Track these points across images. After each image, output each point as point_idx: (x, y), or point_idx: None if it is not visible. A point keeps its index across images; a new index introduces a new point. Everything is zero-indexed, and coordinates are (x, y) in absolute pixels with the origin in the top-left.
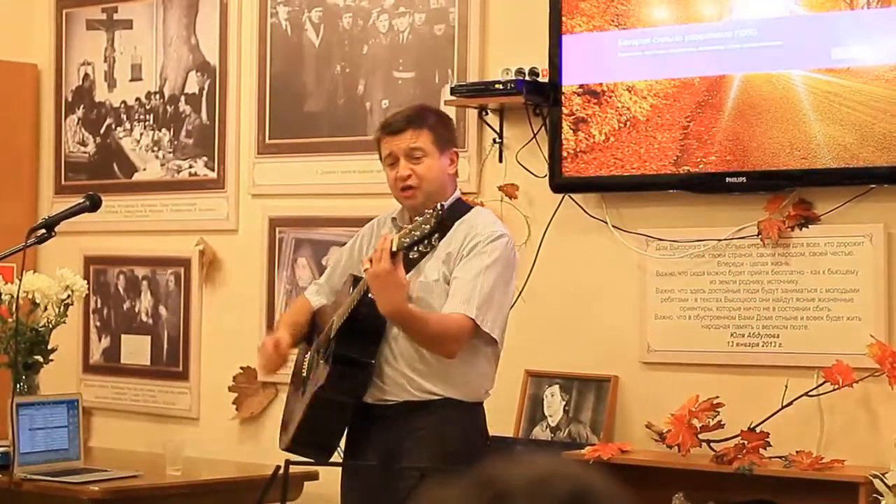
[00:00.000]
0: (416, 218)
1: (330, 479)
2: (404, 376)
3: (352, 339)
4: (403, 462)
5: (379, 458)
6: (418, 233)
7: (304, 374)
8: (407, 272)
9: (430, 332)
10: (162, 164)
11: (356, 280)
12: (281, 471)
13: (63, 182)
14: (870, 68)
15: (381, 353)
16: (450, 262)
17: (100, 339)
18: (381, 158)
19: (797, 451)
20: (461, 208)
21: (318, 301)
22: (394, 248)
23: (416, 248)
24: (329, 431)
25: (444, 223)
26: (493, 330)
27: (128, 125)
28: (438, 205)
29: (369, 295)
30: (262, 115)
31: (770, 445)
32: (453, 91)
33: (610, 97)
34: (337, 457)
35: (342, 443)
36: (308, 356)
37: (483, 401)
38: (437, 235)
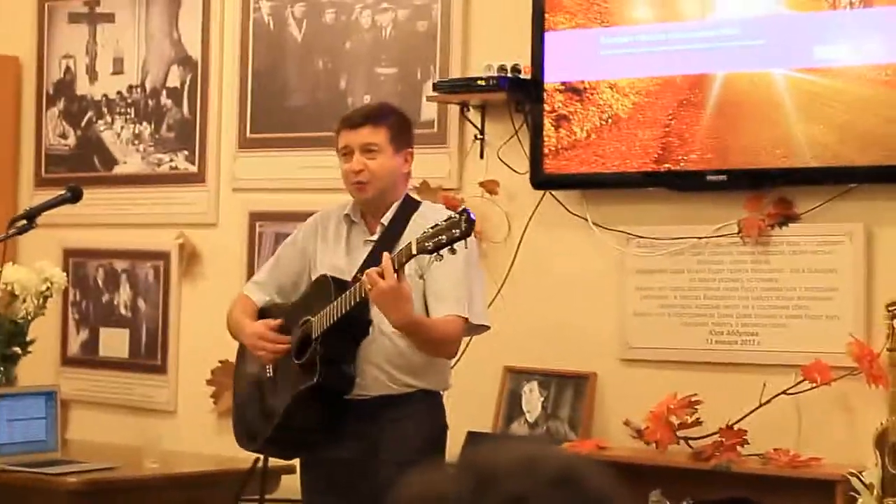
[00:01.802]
0: (440, 222)
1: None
2: (384, 372)
3: (340, 340)
4: (384, 453)
5: (357, 451)
6: (445, 237)
7: (270, 374)
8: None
9: (436, 337)
10: (143, 158)
11: (337, 282)
12: (260, 463)
13: (43, 175)
14: (851, 68)
15: (360, 351)
16: (418, 258)
17: (78, 332)
18: (336, 150)
19: (775, 449)
20: (411, 204)
21: (261, 299)
22: (414, 252)
23: (440, 253)
24: (309, 430)
25: (473, 228)
26: (484, 320)
27: (109, 118)
28: (464, 209)
29: (362, 297)
30: (243, 110)
31: (748, 443)
32: (435, 87)
33: (592, 94)
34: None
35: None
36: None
37: (445, 390)
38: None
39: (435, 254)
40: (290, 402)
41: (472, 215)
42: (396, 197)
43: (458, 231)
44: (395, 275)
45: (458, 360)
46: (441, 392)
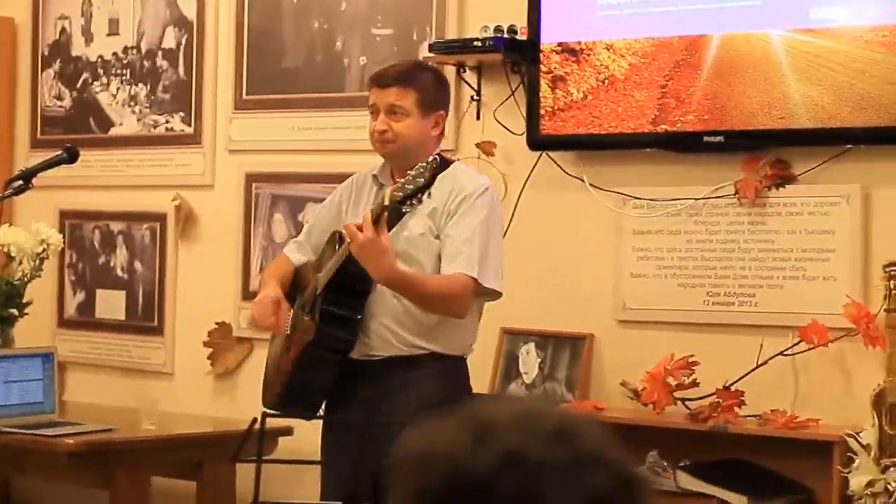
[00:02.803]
0: (409, 172)
1: (305, 434)
2: (390, 331)
3: (339, 295)
4: (389, 417)
5: (364, 412)
6: (412, 186)
7: (289, 332)
8: (392, 227)
9: (430, 294)
10: (138, 119)
11: (341, 237)
12: (257, 424)
13: (39, 136)
14: (848, 28)
15: (368, 309)
16: (435, 216)
17: (74, 294)
18: (368, 105)
19: (772, 410)
20: (441, 164)
21: (298, 259)
22: (386, 202)
23: (410, 202)
24: (315, 388)
25: (436, 176)
26: (496, 284)
27: (104, 80)
28: (432, 157)
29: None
30: (239, 71)
31: (745, 404)
32: (431, 48)
33: (588, 55)
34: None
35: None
36: (291, 314)
37: (467, 355)
38: (429, 190)
39: (405, 205)
40: (294, 360)
41: (437, 163)
42: (423, 158)
43: (421, 180)
44: (374, 228)
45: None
46: (459, 355)
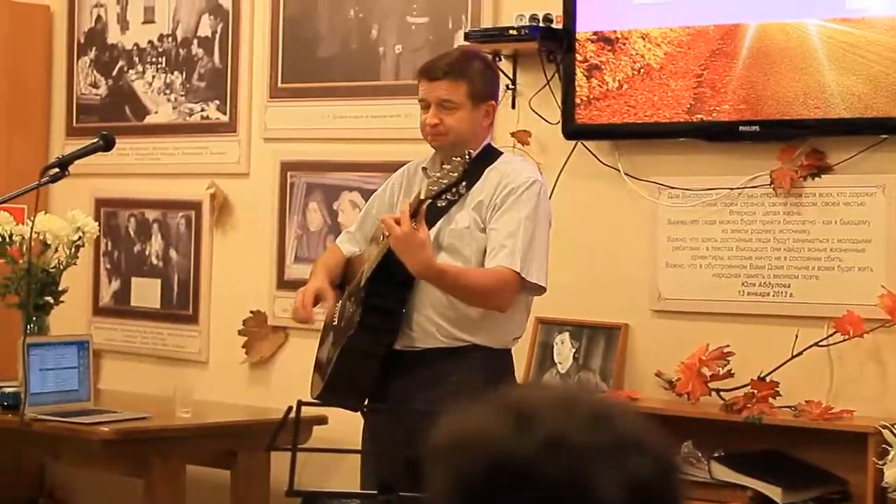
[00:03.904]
0: (444, 166)
1: (340, 423)
2: (433, 323)
3: (382, 286)
4: (430, 405)
5: (405, 402)
6: (446, 181)
7: (336, 322)
8: (436, 221)
9: (470, 286)
10: (174, 108)
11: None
12: (293, 413)
13: (74, 124)
14: (885, 18)
15: (411, 301)
16: (481, 209)
17: (110, 282)
18: (418, 98)
19: (806, 401)
20: (491, 154)
21: (350, 250)
22: (422, 197)
23: (443, 197)
24: (360, 379)
25: (469, 171)
26: (540, 279)
27: (140, 68)
28: (466, 153)
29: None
30: (274, 59)
31: (779, 395)
32: (467, 36)
33: (624, 44)
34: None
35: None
36: (339, 304)
37: (511, 347)
38: (464, 184)
39: (440, 199)
40: (339, 351)
41: (468, 157)
42: (475, 147)
43: (455, 174)
44: (412, 221)
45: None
46: (502, 348)
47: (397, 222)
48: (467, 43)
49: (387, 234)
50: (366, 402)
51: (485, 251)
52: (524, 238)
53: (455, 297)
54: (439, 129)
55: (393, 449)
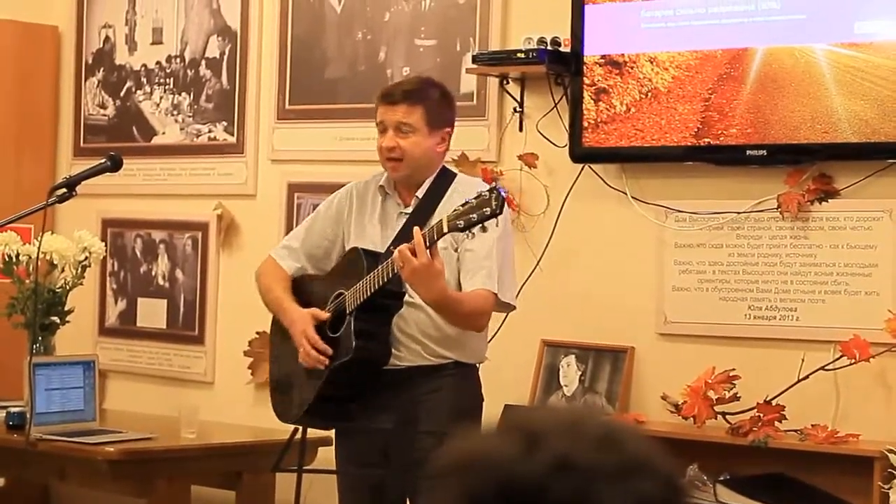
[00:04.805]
0: (470, 199)
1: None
2: (418, 342)
3: (373, 313)
4: (420, 423)
5: (392, 421)
6: (476, 216)
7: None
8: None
9: (466, 311)
10: (181, 128)
11: (369, 255)
12: (298, 434)
13: (82, 144)
14: (892, 43)
15: (395, 323)
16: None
17: (116, 302)
18: (375, 122)
19: (812, 425)
20: (447, 177)
21: (291, 266)
22: (445, 230)
23: (471, 231)
24: (346, 401)
25: (503, 206)
26: (512, 298)
27: (148, 88)
28: (494, 186)
29: (395, 273)
30: (282, 81)
31: (785, 418)
32: (475, 59)
33: (632, 68)
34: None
35: None
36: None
37: (481, 363)
38: (496, 220)
39: (467, 231)
40: (326, 376)
41: (502, 192)
42: (430, 173)
43: (488, 210)
44: (428, 252)
45: (495, 333)
46: (476, 364)
47: (412, 252)
48: (475, 66)
49: (399, 263)
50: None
51: (458, 271)
52: (498, 259)
53: (448, 321)
54: (395, 153)
55: (384, 469)
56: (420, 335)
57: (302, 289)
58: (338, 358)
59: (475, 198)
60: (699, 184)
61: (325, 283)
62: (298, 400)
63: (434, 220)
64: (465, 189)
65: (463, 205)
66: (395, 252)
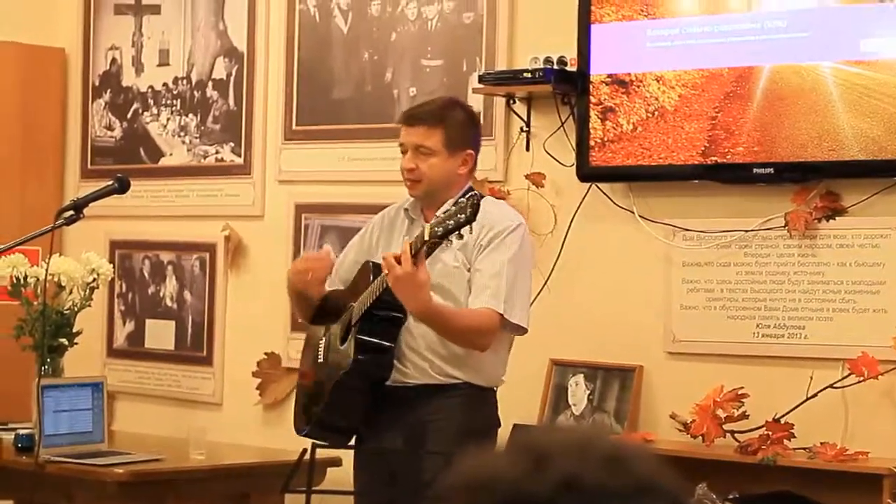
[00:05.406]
0: (450, 207)
1: (352, 464)
2: (426, 360)
3: (374, 325)
4: (428, 443)
5: (398, 441)
6: (452, 222)
7: (321, 360)
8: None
9: (460, 327)
10: (188, 150)
11: (376, 267)
12: (307, 455)
13: (89, 166)
14: None
15: (402, 337)
16: (466, 250)
17: (124, 324)
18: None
19: (821, 443)
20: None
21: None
22: (426, 238)
23: (449, 238)
24: (350, 416)
25: (477, 213)
26: (522, 320)
27: (155, 110)
28: (472, 193)
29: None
30: (289, 102)
31: (794, 437)
32: (481, 79)
33: (638, 87)
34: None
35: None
36: (323, 340)
37: (497, 387)
38: (470, 227)
39: (445, 240)
40: (331, 389)
41: (479, 199)
42: (451, 195)
43: (463, 216)
44: (413, 261)
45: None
46: (490, 387)
47: (398, 260)
48: (481, 85)
49: (386, 272)
50: (352, 439)
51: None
52: (507, 279)
53: (442, 336)
54: (414, 175)
55: (392, 488)
56: (427, 351)
57: (330, 303)
58: (341, 369)
59: (454, 205)
60: (707, 202)
61: (344, 297)
62: (309, 413)
63: (454, 241)
64: (486, 211)
65: (444, 212)
66: (382, 260)
